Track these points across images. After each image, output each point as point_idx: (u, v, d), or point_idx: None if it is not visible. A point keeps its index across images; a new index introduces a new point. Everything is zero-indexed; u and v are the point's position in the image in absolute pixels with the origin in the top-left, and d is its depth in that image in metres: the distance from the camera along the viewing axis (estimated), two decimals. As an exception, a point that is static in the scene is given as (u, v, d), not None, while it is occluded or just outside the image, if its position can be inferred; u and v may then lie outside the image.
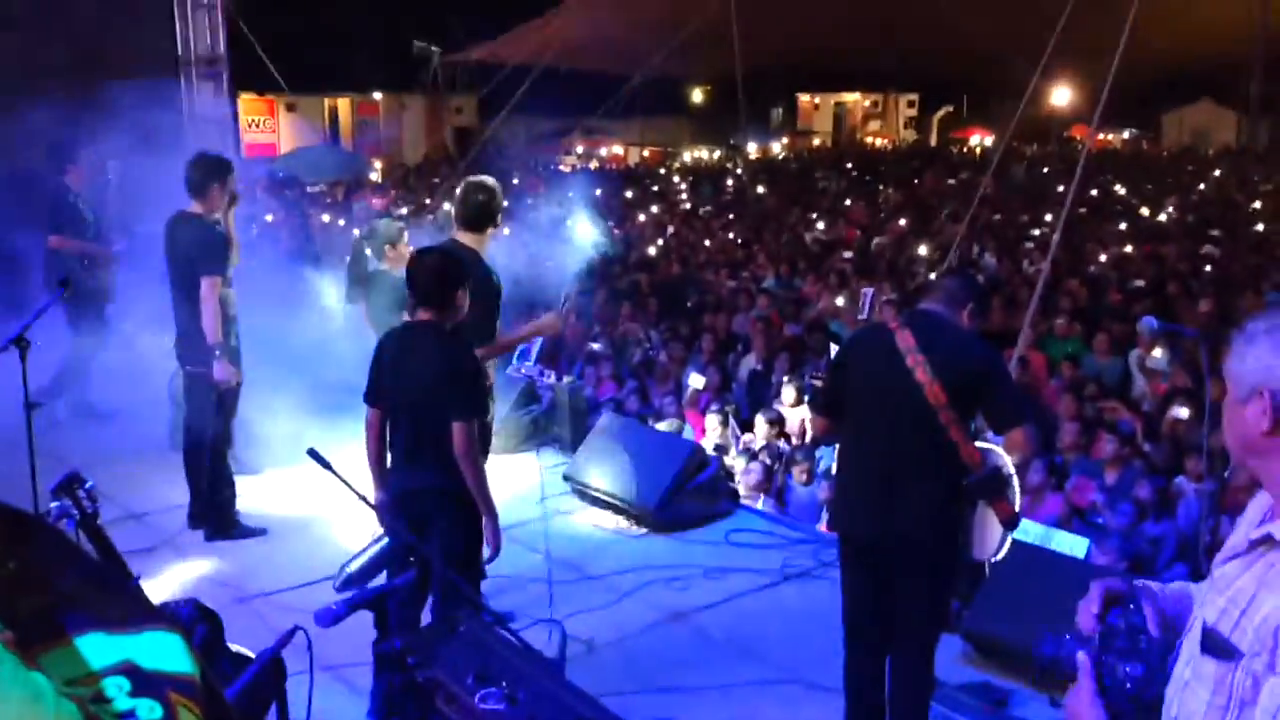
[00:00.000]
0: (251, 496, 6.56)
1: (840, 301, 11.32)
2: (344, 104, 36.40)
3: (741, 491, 7.28)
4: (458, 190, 5.24)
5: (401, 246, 6.41)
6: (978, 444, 3.83)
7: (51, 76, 7.38)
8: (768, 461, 7.49)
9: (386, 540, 4.25)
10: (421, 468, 4.19)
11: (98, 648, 0.80)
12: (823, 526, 6.74)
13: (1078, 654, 1.74)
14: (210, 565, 5.87)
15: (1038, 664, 1.80)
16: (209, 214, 5.98)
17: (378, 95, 36.43)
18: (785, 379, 8.89)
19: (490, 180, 5.21)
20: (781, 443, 7.89)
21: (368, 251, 6.41)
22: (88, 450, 6.38)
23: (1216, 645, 1.60)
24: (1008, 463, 3.82)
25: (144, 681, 0.80)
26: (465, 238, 5.02)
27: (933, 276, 11.01)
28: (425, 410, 4.14)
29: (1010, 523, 3.82)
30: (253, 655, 3.35)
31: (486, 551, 4.27)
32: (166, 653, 0.83)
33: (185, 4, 9.85)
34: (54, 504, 3.45)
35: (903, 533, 3.81)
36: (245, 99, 25.78)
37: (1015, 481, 3.83)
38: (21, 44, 7.36)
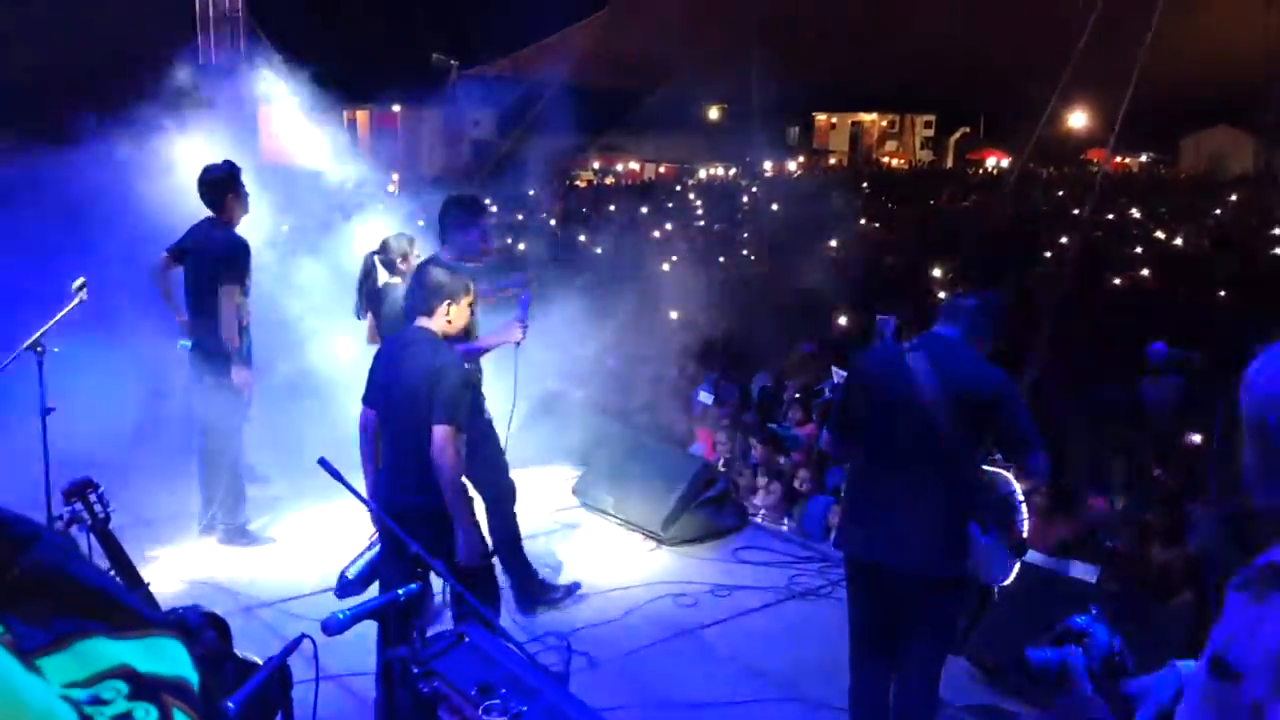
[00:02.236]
0: (262, 505, 6.60)
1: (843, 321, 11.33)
2: (362, 116, 36.59)
3: (754, 510, 7.28)
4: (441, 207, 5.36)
5: (412, 260, 6.45)
6: (986, 469, 3.83)
7: (74, 85, 7.47)
8: (766, 480, 7.48)
9: (379, 545, 4.30)
10: (406, 482, 4.15)
11: (97, 652, 0.81)
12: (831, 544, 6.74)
13: (1068, 652, 1.75)
14: (219, 572, 5.90)
15: (1028, 672, 1.81)
16: (230, 222, 6.13)
17: (396, 107, 36.62)
18: (795, 397, 8.89)
19: (468, 196, 5.44)
20: (783, 460, 7.88)
21: (378, 265, 6.46)
22: (100, 455, 6.42)
23: (1221, 669, 1.63)
24: (1017, 489, 3.81)
25: (142, 685, 0.82)
26: (447, 253, 5.18)
27: (942, 296, 10.99)
28: (409, 416, 4.13)
29: (1018, 548, 3.81)
30: (260, 662, 3.37)
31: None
32: (166, 658, 0.85)
33: (207, 15, 9.95)
34: (66, 508, 3.49)
35: (910, 555, 3.81)
36: (264, 109, 25.93)
37: (1024, 508, 3.82)
38: (46, 56, 7.45)
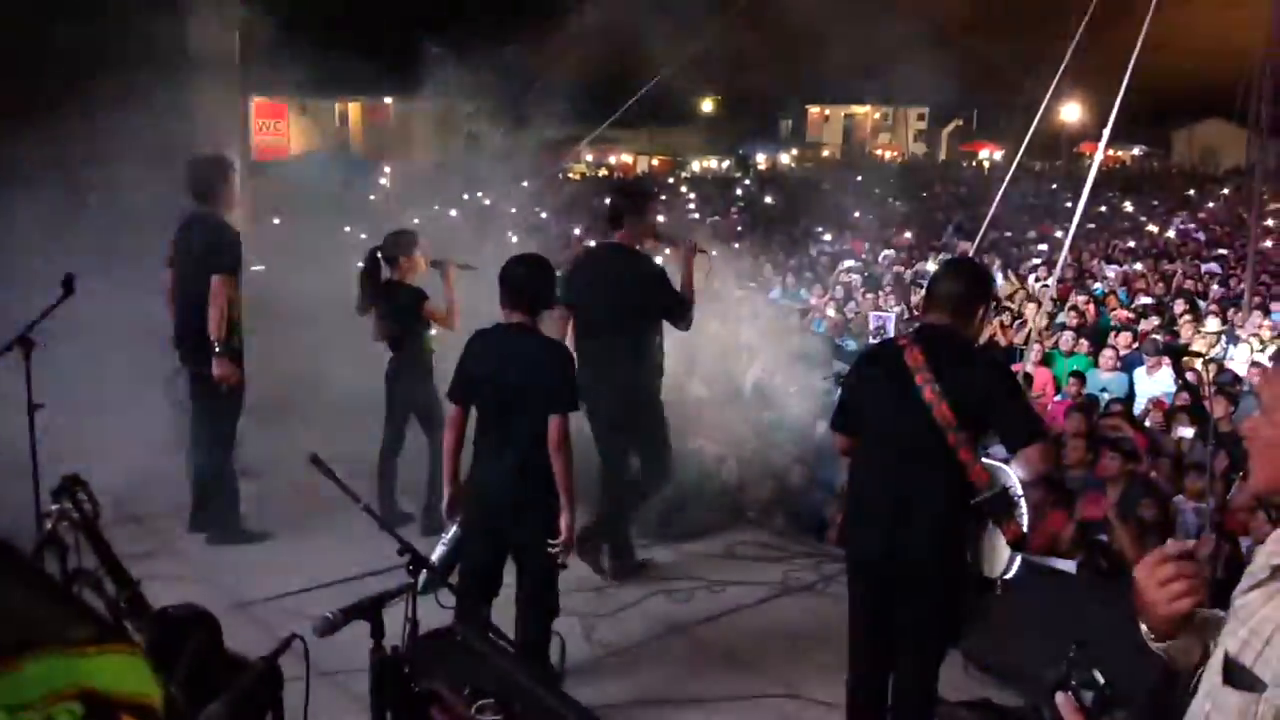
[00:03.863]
0: (253, 501, 6.55)
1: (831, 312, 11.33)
2: (355, 108, 36.53)
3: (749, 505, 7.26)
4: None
5: (417, 256, 6.44)
6: (985, 461, 3.80)
7: (61, 77, 7.39)
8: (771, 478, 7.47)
9: (456, 532, 4.41)
10: (512, 473, 4.30)
11: (52, 671, 0.79)
12: (832, 537, 6.73)
13: (1057, 696, 1.72)
14: (210, 569, 5.86)
15: None
16: (221, 213, 6.08)
17: (389, 99, 36.52)
18: (791, 390, 8.87)
19: (630, 182, 5.84)
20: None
21: (382, 261, 6.45)
22: (89, 451, 6.37)
23: (1239, 677, 1.57)
24: (1016, 483, 3.77)
25: (98, 706, 0.79)
26: (618, 236, 5.70)
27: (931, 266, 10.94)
28: (517, 409, 4.26)
29: (1018, 543, 3.77)
30: (250, 661, 3.33)
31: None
32: (125, 675, 0.82)
33: (198, 6, 9.87)
34: (53, 506, 3.44)
35: (910, 551, 3.79)
36: (257, 101, 25.90)
37: (1024, 502, 3.79)
38: (31, 43, 7.37)
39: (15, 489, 4.85)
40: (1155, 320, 11.43)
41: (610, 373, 5.59)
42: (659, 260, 6.11)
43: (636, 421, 5.81)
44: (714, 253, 6.11)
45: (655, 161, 40.67)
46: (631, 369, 5.68)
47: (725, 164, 42.70)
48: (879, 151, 52.08)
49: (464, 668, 3.03)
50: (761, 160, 38.30)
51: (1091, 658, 1.72)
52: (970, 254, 12.38)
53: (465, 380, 4.43)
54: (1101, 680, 1.70)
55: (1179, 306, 12.20)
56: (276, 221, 11.69)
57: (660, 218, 5.80)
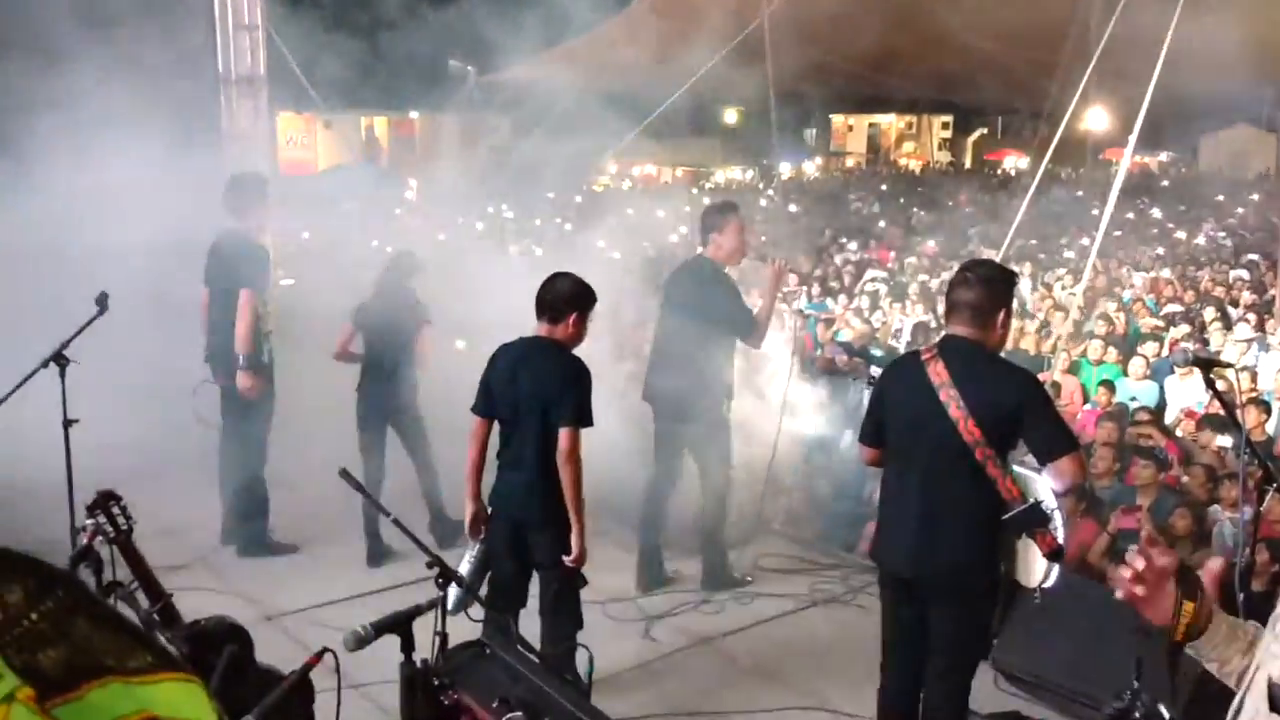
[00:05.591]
0: (284, 514, 6.60)
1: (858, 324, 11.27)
2: (381, 122, 36.74)
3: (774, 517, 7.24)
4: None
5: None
6: (1016, 471, 3.76)
7: (91, 95, 7.48)
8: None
9: (480, 548, 4.46)
10: (525, 487, 4.35)
11: (116, 698, 0.81)
12: (864, 548, 6.70)
13: None
14: (242, 582, 5.91)
15: None
16: (252, 230, 6.17)
17: (414, 114, 36.72)
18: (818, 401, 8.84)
19: (729, 201, 6.29)
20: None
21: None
22: (122, 466, 6.43)
23: None
24: (1049, 495, 3.73)
25: None
26: (707, 250, 5.92)
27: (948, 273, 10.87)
28: (529, 422, 4.30)
29: (1054, 554, 3.74)
30: (282, 673, 3.36)
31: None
32: (184, 702, 0.84)
33: (226, 23, 9.96)
34: (88, 521, 3.49)
35: (940, 566, 3.78)
36: (283, 116, 26.07)
37: (1058, 515, 3.74)
38: (60, 61, 7.47)
39: (52, 504, 4.91)
40: (1185, 328, 11.32)
41: (672, 380, 5.83)
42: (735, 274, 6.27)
43: (693, 432, 5.91)
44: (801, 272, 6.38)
45: (679, 173, 40.67)
46: (691, 379, 5.80)
47: (749, 173, 42.62)
48: (904, 160, 51.94)
49: (493, 680, 3.04)
50: (786, 170, 38.23)
51: (1154, 688, 1.71)
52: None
53: (486, 393, 4.46)
54: (1167, 715, 1.68)
55: (1208, 314, 12.08)
56: (306, 236, 11.79)
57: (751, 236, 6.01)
